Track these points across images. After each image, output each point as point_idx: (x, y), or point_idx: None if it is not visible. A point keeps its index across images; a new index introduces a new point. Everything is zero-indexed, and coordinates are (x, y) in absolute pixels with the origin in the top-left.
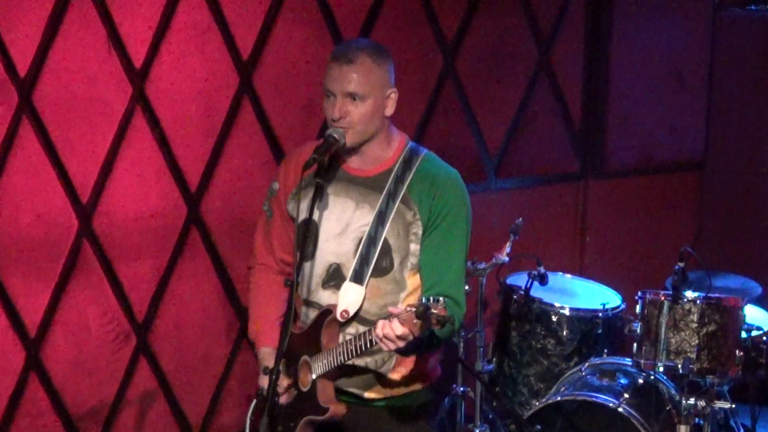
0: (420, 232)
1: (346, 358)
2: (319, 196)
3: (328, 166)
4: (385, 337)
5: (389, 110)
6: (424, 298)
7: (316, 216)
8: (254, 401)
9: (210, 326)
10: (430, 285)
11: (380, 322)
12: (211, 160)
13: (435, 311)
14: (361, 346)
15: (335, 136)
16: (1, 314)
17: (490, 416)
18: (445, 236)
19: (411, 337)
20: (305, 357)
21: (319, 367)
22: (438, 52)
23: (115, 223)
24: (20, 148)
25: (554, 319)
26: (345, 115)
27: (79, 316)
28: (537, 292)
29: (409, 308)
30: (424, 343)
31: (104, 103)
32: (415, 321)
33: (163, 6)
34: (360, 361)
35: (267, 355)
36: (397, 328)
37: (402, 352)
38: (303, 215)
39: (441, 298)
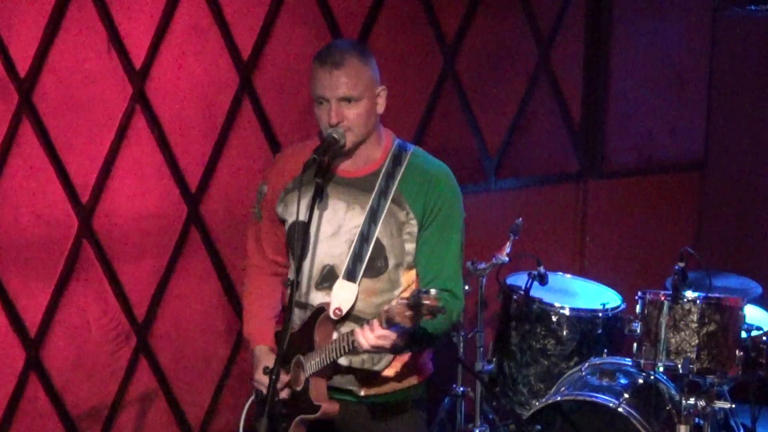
0: (415, 230)
1: (337, 356)
2: (319, 197)
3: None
4: (371, 346)
5: (381, 108)
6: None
7: (310, 217)
8: (249, 401)
9: (210, 326)
10: (428, 280)
11: (357, 331)
12: (211, 160)
13: (426, 302)
14: (352, 342)
15: (335, 136)
16: (1, 314)
17: (490, 416)
18: (441, 231)
19: (393, 338)
20: (298, 356)
21: (311, 365)
22: (438, 52)
23: (115, 223)
24: (20, 148)
25: (554, 319)
26: (342, 118)
27: (79, 316)
28: (537, 292)
29: (400, 300)
30: (417, 339)
31: (104, 103)
32: (407, 313)
33: (163, 6)
34: (356, 359)
35: (263, 354)
36: (374, 333)
37: (396, 351)
38: (299, 216)
39: (433, 290)
